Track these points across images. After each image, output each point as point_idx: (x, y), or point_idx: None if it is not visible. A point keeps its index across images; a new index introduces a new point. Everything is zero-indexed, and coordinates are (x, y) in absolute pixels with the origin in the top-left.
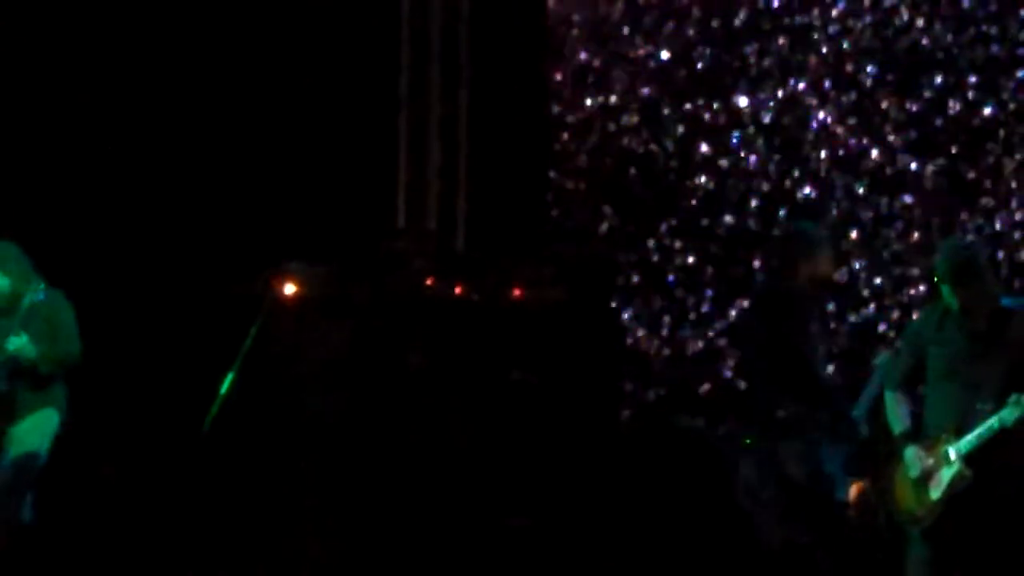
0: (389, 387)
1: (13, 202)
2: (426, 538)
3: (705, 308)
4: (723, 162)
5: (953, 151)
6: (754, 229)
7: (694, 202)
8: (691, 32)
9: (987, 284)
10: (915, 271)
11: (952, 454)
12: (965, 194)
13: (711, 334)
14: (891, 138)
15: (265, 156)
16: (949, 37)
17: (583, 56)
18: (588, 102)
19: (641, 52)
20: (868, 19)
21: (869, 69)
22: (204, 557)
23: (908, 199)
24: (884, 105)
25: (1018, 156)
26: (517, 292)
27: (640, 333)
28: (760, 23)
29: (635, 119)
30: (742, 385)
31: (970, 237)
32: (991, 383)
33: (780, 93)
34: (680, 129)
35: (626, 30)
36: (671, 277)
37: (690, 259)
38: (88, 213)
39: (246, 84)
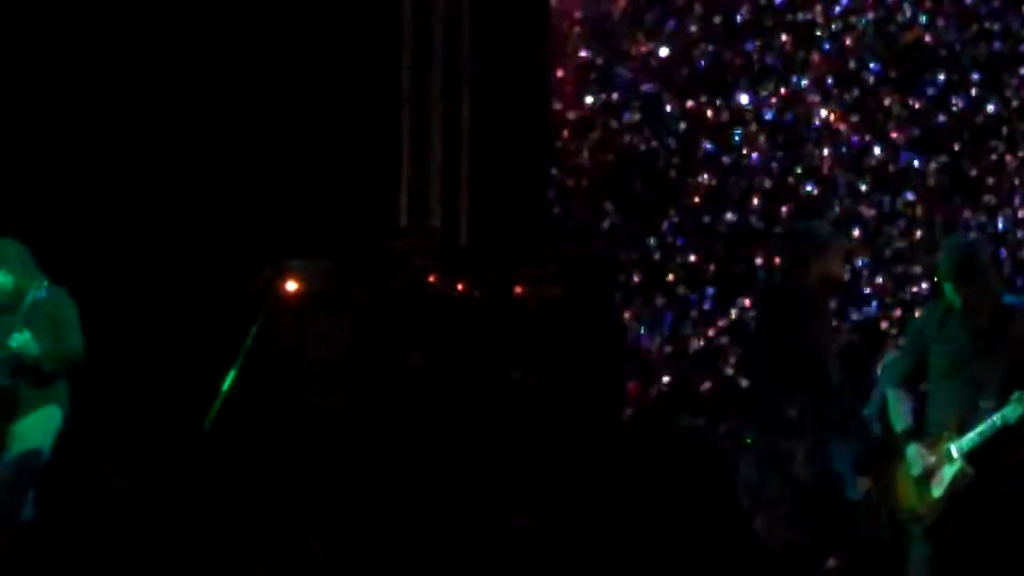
0: (390, 385)
1: (16, 199)
2: (427, 538)
3: (707, 306)
4: (725, 159)
5: (956, 148)
6: (756, 227)
7: (696, 199)
8: (693, 29)
9: (990, 282)
10: (917, 269)
11: (954, 452)
12: (968, 191)
13: (712, 332)
14: (894, 135)
15: (267, 154)
16: (952, 34)
17: (585, 54)
18: (590, 99)
19: (643, 49)
20: (871, 16)
21: (872, 66)
22: (205, 556)
23: (910, 196)
24: (887, 102)
25: (1021, 153)
26: (519, 290)
27: (641, 331)
28: (762, 20)
29: (637, 116)
30: (743, 383)
31: (973, 235)
32: (993, 381)
33: (782, 90)
34: (682, 126)
35: (628, 27)
36: (673, 275)
37: (692, 257)
38: (90, 211)
39: (248, 82)
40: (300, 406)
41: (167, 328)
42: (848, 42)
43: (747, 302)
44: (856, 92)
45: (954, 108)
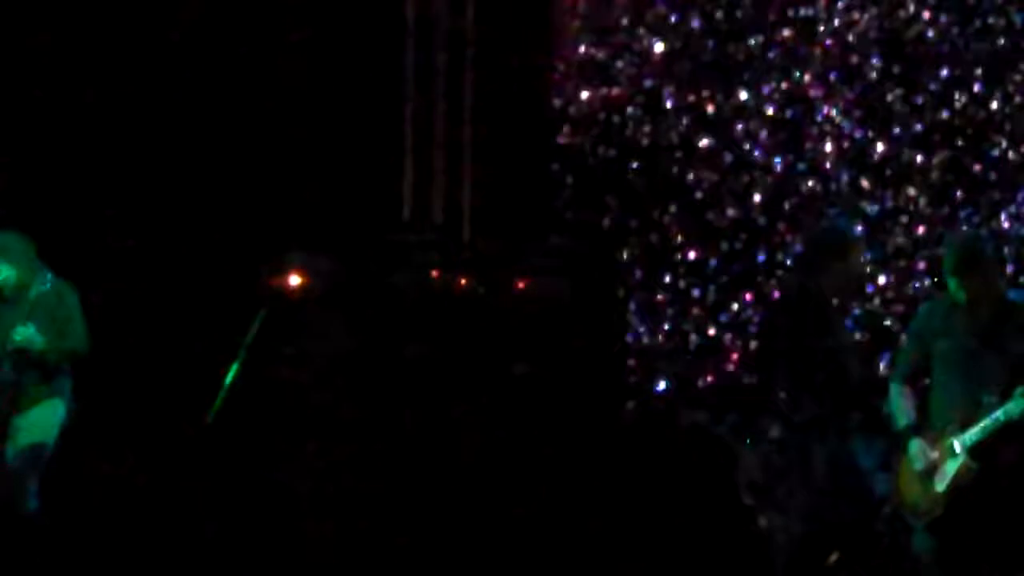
0: (392, 379)
1: (19, 193)
2: (429, 533)
3: (709, 302)
4: (727, 155)
5: (959, 144)
6: (758, 223)
7: (698, 195)
8: (695, 23)
9: (993, 277)
10: (920, 265)
11: (957, 447)
12: (970, 187)
13: (714, 328)
14: (896, 131)
15: (271, 148)
16: (955, 30)
17: (587, 48)
18: (592, 94)
19: (645, 44)
20: (874, 11)
21: (874, 61)
22: (208, 549)
23: (913, 192)
24: (889, 98)
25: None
26: (521, 285)
27: (643, 326)
28: (765, 15)
29: (639, 111)
30: (745, 379)
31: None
32: (996, 376)
33: (784, 85)
34: (684, 121)
35: (630, 22)
36: (674, 270)
37: (693, 253)
38: (95, 205)
39: (252, 77)
40: (302, 399)
41: (170, 321)
42: (851, 37)
43: (748, 297)
44: (859, 88)
45: (957, 104)
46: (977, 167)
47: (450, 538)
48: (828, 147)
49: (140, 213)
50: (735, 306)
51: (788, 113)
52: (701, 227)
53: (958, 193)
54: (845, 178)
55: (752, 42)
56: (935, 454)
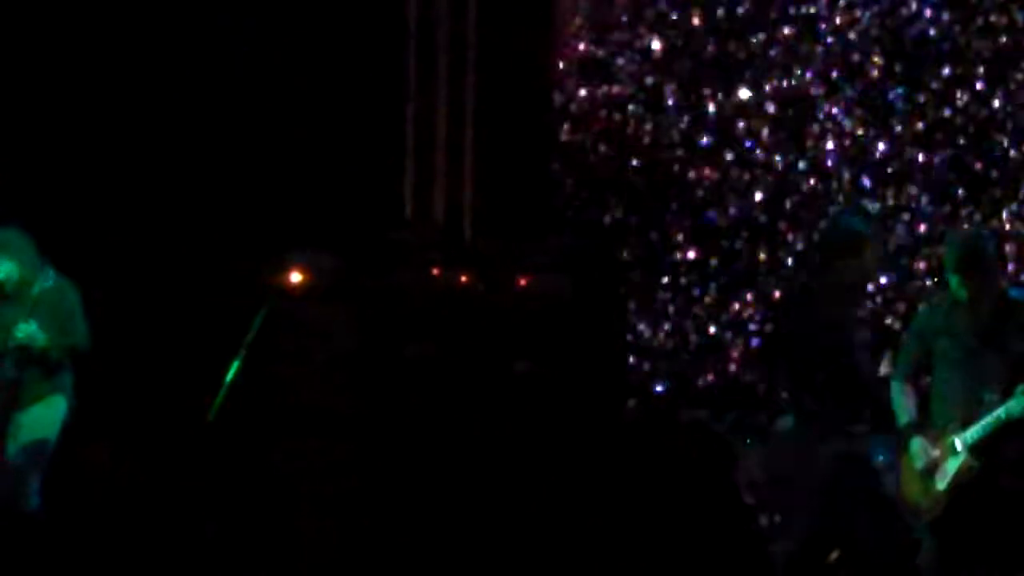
0: (394, 377)
1: (20, 190)
2: (431, 530)
3: (709, 300)
4: (728, 153)
5: (961, 142)
6: (759, 221)
7: (699, 193)
8: (696, 21)
9: (995, 275)
10: (922, 264)
11: (958, 445)
12: (972, 186)
13: (715, 326)
14: (898, 129)
15: (273, 146)
16: (957, 27)
17: (588, 46)
18: (593, 92)
19: (646, 41)
20: (875, 8)
21: (876, 59)
22: (209, 547)
23: (915, 191)
24: (891, 96)
25: None
26: (523, 282)
27: (644, 325)
28: (766, 12)
29: (640, 109)
30: (746, 378)
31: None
32: (998, 374)
33: (786, 83)
34: (685, 119)
35: (631, 19)
36: (675, 269)
37: (694, 251)
38: (96, 202)
39: (254, 74)
40: (303, 398)
41: (172, 319)
42: (852, 35)
43: (748, 296)
44: (860, 86)
45: (959, 102)
46: (979, 165)
47: (452, 536)
48: (829, 145)
49: (142, 211)
50: (736, 305)
51: (789, 111)
52: (702, 225)
53: (959, 191)
54: (846, 176)
55: (753, 40)
56: (936, 452)
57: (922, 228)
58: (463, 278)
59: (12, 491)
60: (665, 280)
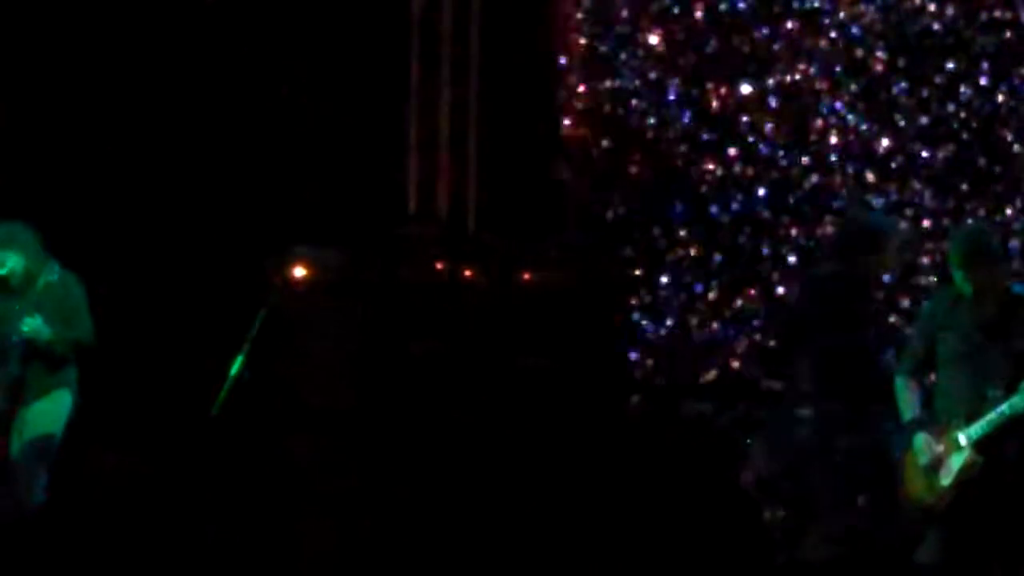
0: (398, 372)
1: (26, 186)
2: (434, 524)
3: (712, 295)
4: (731, 148)
5: (964, 137)
6: (763, 216)
7: (703, 188)
8: (699, 16)
9: (1000, 269)
10: (925, 260)
11: (962, 440)
12: (976, 181)
13: (718, 321)
14: (901, 124)
15: (277, 141)
16: (961, 22)
17: (591, 41)
18: (596, 87)
19: (649, 36)
20: (879, 3)
21: (880, 54)
22: (212, 541)
23: (918, 186)
24: (895, 91)
25: None
26: (526, 277)
27: (646, 320)
28: (769, 7)
29: (643, 104)
30: (749, 373)
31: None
32: (1002, 370)
33: (789, 78)
34: (688, 114)
35: (634, 14)
36: (678, 263)
37: (697, 246)
38: (101, 198)
39: (258, 70)
40: (308, 393)
41: (176, 314)
42: (856, 30)
43: (752, 291)
44: (864, 81)
45: (963, 97)
46: (983, 160)
47: (457, 531)
48: (833, 140)
49: (146, 206)
50: (739, 300)
51: (793, 106)
52: (705, 220)
53: (963, 186)
54: (850, 171)
55: (757, 34)
56: (940, 448)
57: (926, 223)
58: (467, 273)
59: (19, 486)
60: (668, 275)
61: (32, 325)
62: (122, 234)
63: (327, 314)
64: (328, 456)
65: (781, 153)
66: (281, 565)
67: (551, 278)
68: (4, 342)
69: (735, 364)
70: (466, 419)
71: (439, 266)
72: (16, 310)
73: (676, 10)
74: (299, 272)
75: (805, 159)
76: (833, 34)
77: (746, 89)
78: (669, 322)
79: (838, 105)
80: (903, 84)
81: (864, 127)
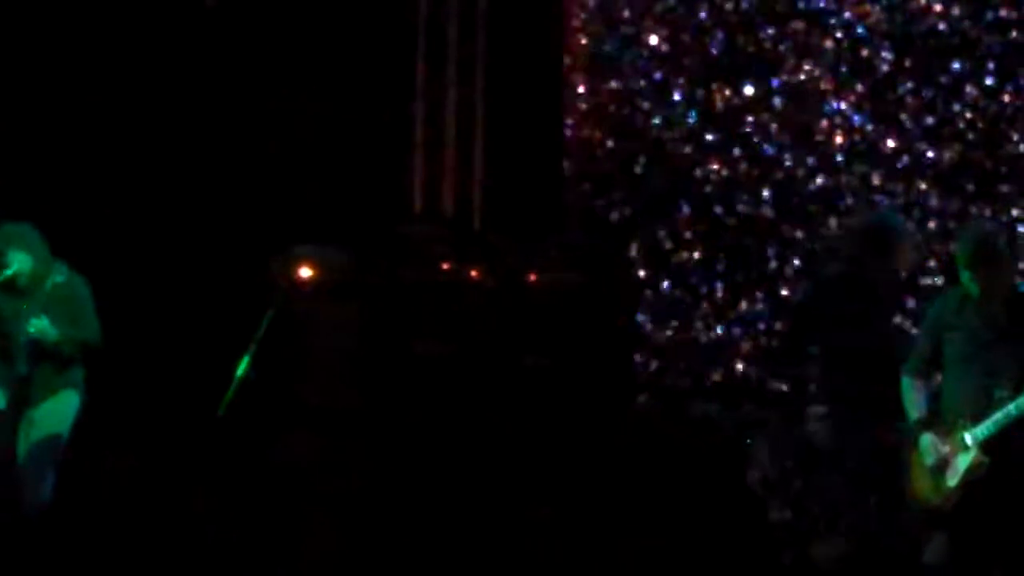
0: (403, 372)
1: (32, 186)
2: (440, 525)
3: (717, 296)
4: (736, 149)
5: (970, 138)
6: (768, 217)
7: (707, 189)
8: (704, 16)
9: (1007, 270)
10: (931, 261)
11: (968, 440)
12: (982, 181)
13: (724, 322)
14: (907, 125)
15: (282, 141)
16: (967, 22)
17: (596, 41)
18: (601, 87)
19: (654, 37)
20: (885, 3)
21: (885, 54)
22: (218, 542)
23: (924, 186)
24: (900, 91)
25: None
26: (532, 277)
27: (651, 321)
28: (774, 7)
29: (648, 105)
30: (754, 374)
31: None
32: (1009, 369)
33: (794, 79)
34: (693, 115)
35: (639, 14)
36: (683, 265)
37: (702, 247)
38: (106, 199)
39: (263, 70)
40: (313, 394)
41: (181, 314)
42: (861, 30)
43: (757, 292)
44: (869, 81)
45: (968, 98)
46: (989, 161)
47: (461, 532)
48: (838, 141)
49: (151, 207)
50: (744, 301)
51: (798, 107)
52: (710, 221)
53: (969, 187)
54: (856, 172)
55: (762, 35)
56: (946, 448)
57: (932, 224)
58: (473, 273)
59: (27, 486)
60: (673, 276)
61: (39, 326)
62: (127, 234)
63: (332, 314)
64: (333, 456)
65: (786, 154)
66: (284, 565)
67: (556, 278)
68: (11, 342)
69: (740, 366)
70: (471, 420)
71: (444, 266)
72: (23, 310)
73: (681, 10)
74: (304, 272)
75: (811, 160)
76: (839, 34)
77: (751, 90)
78: (674, 324)
79: (843, 106)
80: (909, 84)
81: (870, 127)
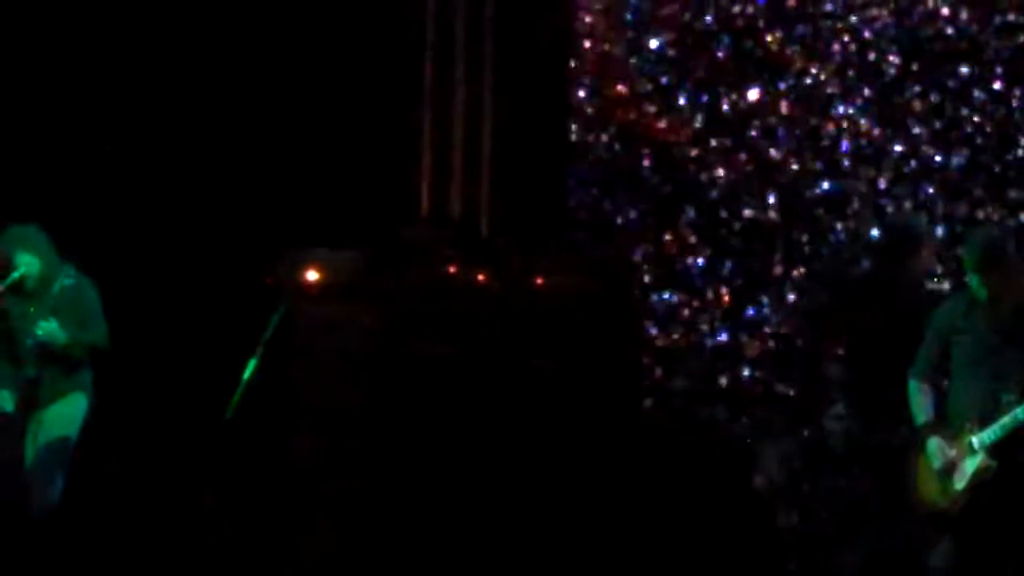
0: (410, 375)
1: (39, 187)
2: (446, 527)
3: (724, 301)
4: (743, 153)
5: (978, 142)
6: (774, 221)
7: (713, 194)
8: (710, 20)
9: (1015, 274)
10: (938, 267)
11: (976, 445)
12: (990, 186)
13: (730, 326)
14: (915, 129)
15: (289, 143)
16: (975, 26)
17: (603, 45)
18: (607, 91)
19: (660, 40)
20: (892, 7)
21: (892, 58)
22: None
23: (931, 191)
24: (908, 95)
25: None
26: (539, 281)
27: (658, 326)
28: (782, 11)
29: (654, 109)
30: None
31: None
32: (1016, 374)
33: (801, 82)
34: (699, 119)
35: (646, 18)
36: (689, 269)
37: (708, 252)
38: (114, 201)
39: (270, 70)
40: (320, 396)
41: (188, 317)
42: (868, 34)
43: (763, 296)
44: (877, 85)
45: (976, 102)
46: (996, 165)
47: (466, 534)
48: (845, 145)
49: (159, 209)
50: (750, 305)
51: (804, 111)
52: (716, 226)
53: (977, 191)
54: (863, 176)
55: (768, 38)
56: (954, 452)
57: (939, 229)
58: (479, 277)
59: (35, 489)
60: (679, 280)
61: (47, 328)
62: (135, 237)
63: (338, 316)
64: (338, 459)
65: (793, 158)
66: (290, 566)
67: (563, 282)
68: (19, 345)
69: (746, 370)
70: (476, 423)
71: (451, 269)
72: (31, 313)
73: (688, 15)
74: (311, 275)
75: (818, 164)
76: (846, 38)
77: (757, 94)
78: (680, 328)
79: (850, 110)
80: (916, 88)
81: (877, 132)
